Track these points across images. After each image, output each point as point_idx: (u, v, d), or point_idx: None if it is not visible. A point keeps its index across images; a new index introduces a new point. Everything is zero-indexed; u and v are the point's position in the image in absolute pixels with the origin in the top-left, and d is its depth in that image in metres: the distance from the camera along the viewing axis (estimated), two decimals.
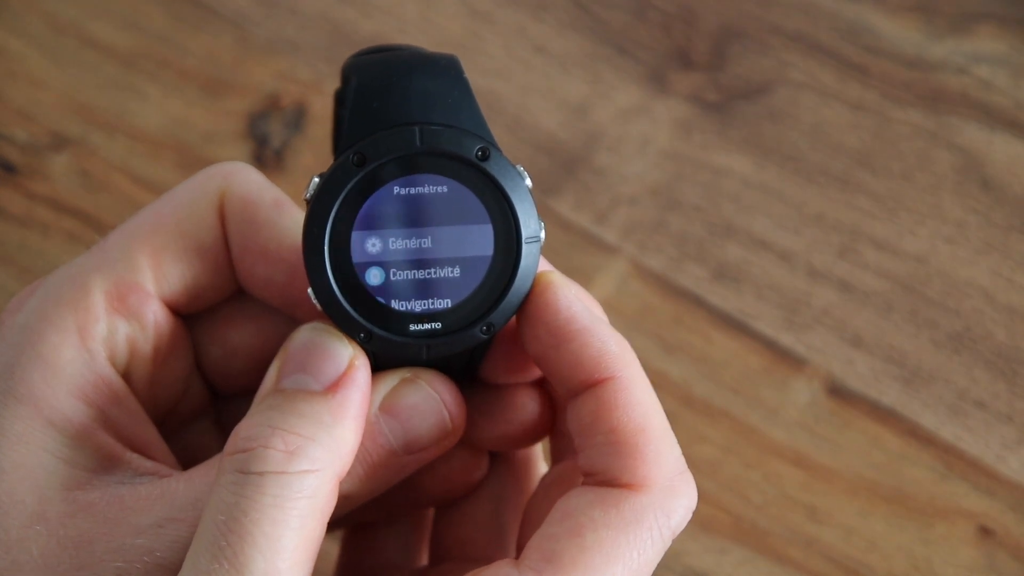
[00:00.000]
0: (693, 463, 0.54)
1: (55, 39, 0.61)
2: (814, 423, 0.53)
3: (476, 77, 0.61)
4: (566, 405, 0.35)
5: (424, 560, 0.43)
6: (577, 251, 0.57)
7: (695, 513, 0.51)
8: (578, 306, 0.35)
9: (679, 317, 0.56)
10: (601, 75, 0.61)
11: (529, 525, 0.38)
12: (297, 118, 0.60)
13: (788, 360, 0.55)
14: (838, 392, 0.54)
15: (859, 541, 0.51)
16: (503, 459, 0.41)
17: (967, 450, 0.53)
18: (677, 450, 0.35)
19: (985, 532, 0.51)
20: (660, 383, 0.53)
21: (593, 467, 0.34)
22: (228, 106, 0.60)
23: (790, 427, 0.53)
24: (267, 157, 0.59)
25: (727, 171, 0.59)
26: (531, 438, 0.39)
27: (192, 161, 0.58)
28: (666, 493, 0.34)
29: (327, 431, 0.32)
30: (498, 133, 0.59)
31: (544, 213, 0.57)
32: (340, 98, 0.40)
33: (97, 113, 0.59)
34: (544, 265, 0.36)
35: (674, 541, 0.51)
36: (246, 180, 0.38)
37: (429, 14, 0.62)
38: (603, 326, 0.35)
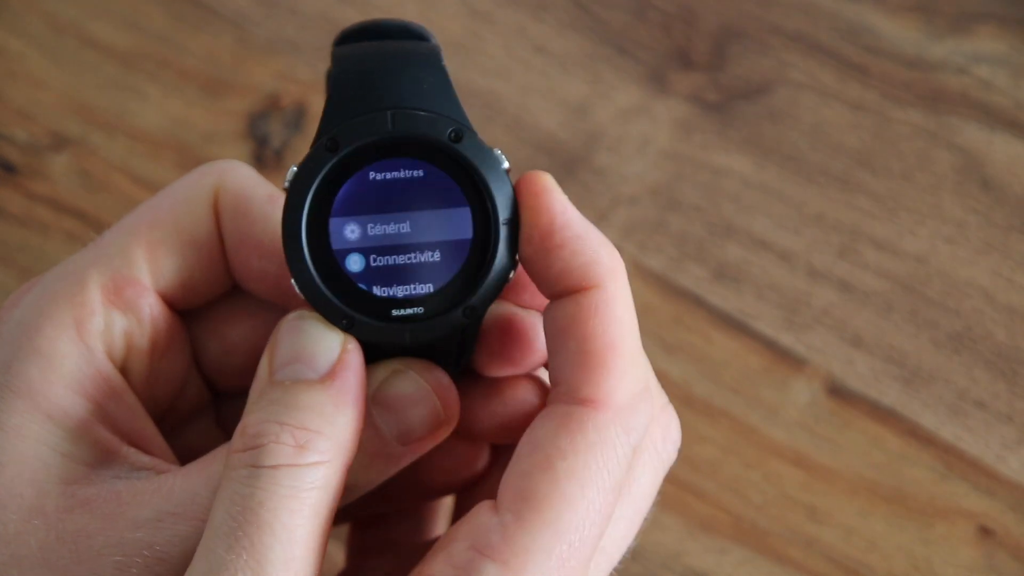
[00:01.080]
0: (693, 463, 0.54)
1: (55, 39, 0.61)
2: (814, 423, 0.53)
3: (476, 77, 0.61)
4: (546, 308, 0.35)
5: (436, 532, 0.43)
6: None
7: (695, 513, 0.51)
8: (572, 212, 0.34)
9: (679, 317, 0.56)
10: (601, 75, 0.61)
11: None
12: (297, 118, 0.60)
13: (788, 360, 0.55)
14: (838, 392, 0.54)
15: (859, 541, 0.51)
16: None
17: (967, 450, 0.53)
18: (642, 371, 0.34)
19: (985, 532, 0.51)
20: (660, 383, 0.53)
21: (559, 376, 0.34)
22: (228, 106, 0.60)
23: (790, 427, 0.53)
24: (267, 157, 0.59)
25: (727, 171, 0.59)
26: None
27: (192, 161, 0.58)
28: (626, 411, 0.33)
29: (331, 422, 0.33)
30: (498, 133, 0.59)
31: None
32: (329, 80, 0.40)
33: (97, 113, 0.59)
34: None
35: (674, 541, 0.51)
36: (240, 176, 0.38)
37: (429, 14, 0.62)
38: (596, 234, 0.34)
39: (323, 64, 0.61)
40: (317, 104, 0.60)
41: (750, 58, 0.62)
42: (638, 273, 0.56)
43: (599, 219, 0.57)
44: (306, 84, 0.60)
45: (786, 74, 0.61)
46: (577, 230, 0.34)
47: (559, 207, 0.34)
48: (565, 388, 0.34)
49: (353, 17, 0.62)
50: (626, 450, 0.34)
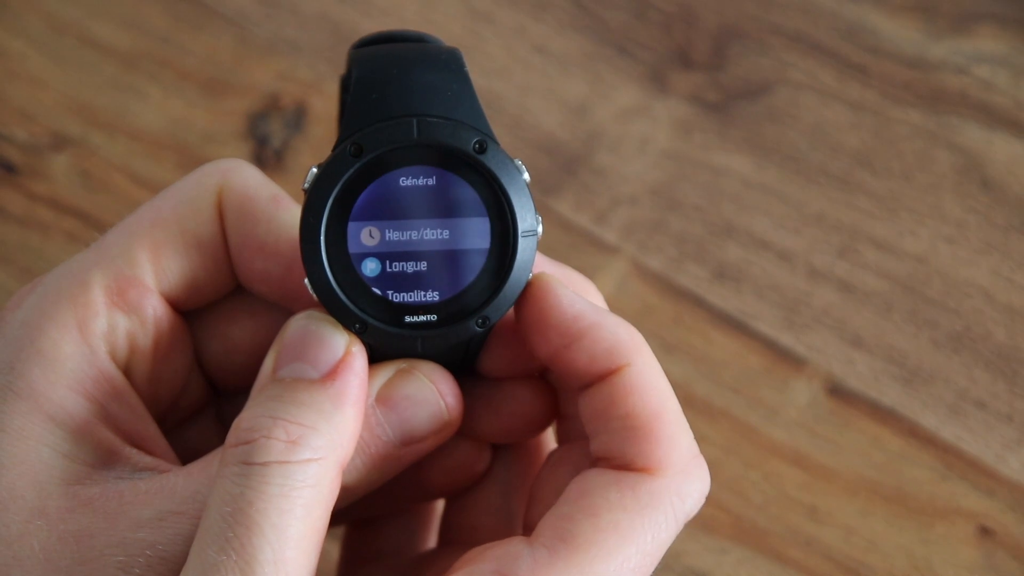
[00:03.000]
0: None
1: (55, 39, 0.61)
2: (814, 423, 0.53)
3: (476, 77, 0.60)
4: (577, 393, 0.36)
5: (429, 544, 0.43)
6: (577, 251, 0.57)
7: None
8: (582, 302, 0.35)
9: (679, 317, 0.56)
10: (601, 75, 0.61)
11: (535, 502, 0.38)
12: (297, 118, 0.60)
13: (788, 360, 0.55)
14: (838, 392, 0.54)
15: (859, 541, 0.51)
16: (512, 445, 0.41)
17: (967, 450, 0.53)
18: (690, 434, 0.35)
19: (985, 532, 0.51)
20: None
21: (608, 452, 0.34)
22: (228, 106, 0.60)
23: (790, 427, 0.53)
24: (267, 157, 0.59)
25: (727, 171, 0.59)
26: (533, 430, 0.39)
27: (192, 161, 0.58)
28: (681, 477, 0.34)
29: (327, 419, 0.32)
30: (498, 133, 0.59)
31: (544, 213, 0.57)
32: (344, 84, 0.40)
33: (97, 113, 0.59)
34: (541, 261, 0.36)
35: (674, 541, 0.51)
36: (244, 176, 0.38)
37: (429, 14, 0.62)
38: (610, 317, 0.35)
39: (323, 64, 0.61)
40: (317, 104, 0.60)
41: (750, 58, 0.62)
42: (638, 273, 0.56)
43: (599, 219, 0.58)
44: (306, 84, 0.60)
45: (786, 74, 0.61)
46: (591, 319, 0.35)
47: (567, 301, 0.35)
48: (618, 461, 0.34)
49: (354, 17, 0.62)
50: (678, 516, 0.34)
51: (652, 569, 0.34)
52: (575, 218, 0.58)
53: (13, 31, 0.61)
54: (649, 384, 0.34)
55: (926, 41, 0.62)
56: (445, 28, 0.62)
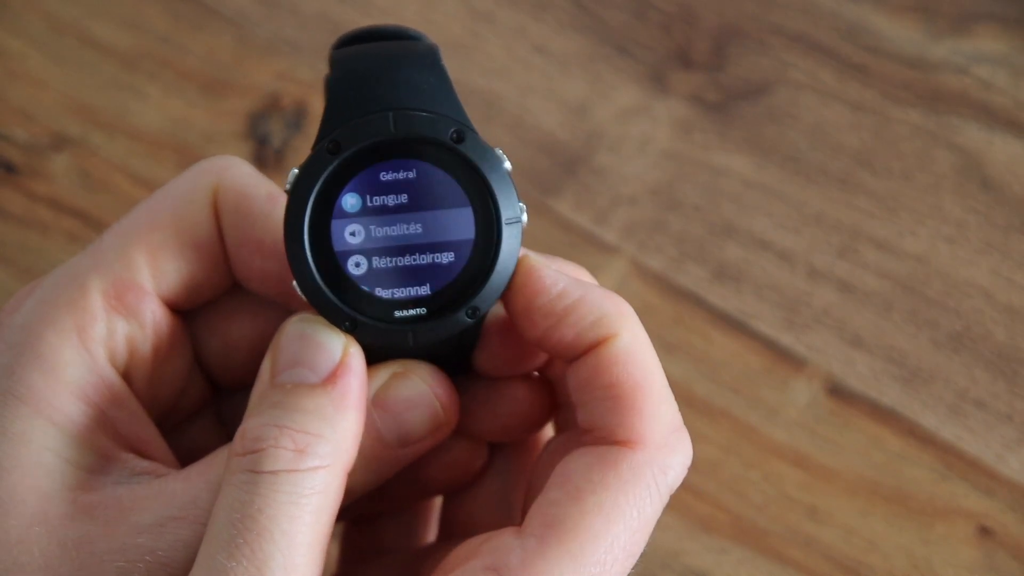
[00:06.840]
0: (693, 463, 0.54)
1: (55, 39, 0.61)
2: (814, 423, 0.53)
3: (476, 77, 0.61)
4: (567, 367, 0.36)
5: (429, 538, 0.44)
6: (577, 251, 0.57)
7: (695, 513, 0.51)
8: (565, 280, 0.35)
9: (679, 317, 0.56)
10: (601, 75, 0.61)
11: (533, 492, 0.38)
12: (297, 118, 0.60)
13: (788, 360, 0.55)
14: (838, 392, 0.54)
15: (859, 541, 0.51)
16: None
17: (967, 450, 0.53)
18: (674, 407, 0.35)
19: (985, 532, 0.51)
20: None
21: (591, 423, 0.34)
22: (228, 106, 0.60)
23: (790, 427, 0.53)
24: (267, 157, 0.59)
25: (727, 171, 0.59)
26: (530, 429, 0.39)
27: (192, 161, 0.57)
28: (662, 450, 0.34)
29: (331, 426, 0.33)
30: (498, 133, 0.59)
31: (544, 213, 0.57)
32: (328, 85, 0.40)
33: (97, 113, 0.59)
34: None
35: (674, 541, 0.51)
36: (239, 174, 0.38)
37: (429, 14, 0.62)
38: (596, 290, 0.35)
39: (323, 64, 0.61)
40: (317, 104, 0.60)
41: (750, 58, 0.62)
42: (638, 273, 0.56)
43: (599, 219, 0.58)
44: (306, 84, 0.60)
45: (786, 74, 0.61)
46: (576, 294, 0.35)
47: (550, 281, 0.35)
48: (600, 433, 0.34)
49: (354, 17, 0.62)
50: (661, 491, 0.34)
51: (643, 544, 0.34)
52: (575, 218, 0.58)
53: (13, 31, 0.61)
54: (633, 355, 0.34)
55: (926, 41, 0.62)
56: (445, 28, 0.62)
